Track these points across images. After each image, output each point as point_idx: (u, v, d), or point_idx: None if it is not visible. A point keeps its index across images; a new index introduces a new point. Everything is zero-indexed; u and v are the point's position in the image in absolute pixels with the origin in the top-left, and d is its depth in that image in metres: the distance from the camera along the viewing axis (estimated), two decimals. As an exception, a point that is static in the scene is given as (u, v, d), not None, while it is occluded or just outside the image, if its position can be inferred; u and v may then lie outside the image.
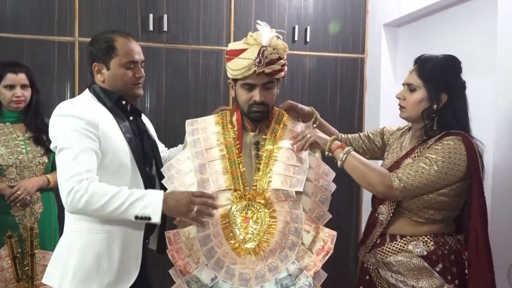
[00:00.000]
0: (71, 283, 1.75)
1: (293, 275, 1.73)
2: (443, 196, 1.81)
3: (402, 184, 1.76)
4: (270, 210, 1.82)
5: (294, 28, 3.39)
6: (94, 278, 1.75)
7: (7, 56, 2.89)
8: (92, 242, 1.76)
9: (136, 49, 1.89)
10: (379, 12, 3.42)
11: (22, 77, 2.60)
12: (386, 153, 2.08)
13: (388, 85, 3.42)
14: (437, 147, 1.79)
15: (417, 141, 1.92)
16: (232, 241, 1.79)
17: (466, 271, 1.83)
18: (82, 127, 1.73)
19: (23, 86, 2.60)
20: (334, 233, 1.82)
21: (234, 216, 1.81)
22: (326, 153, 1.91)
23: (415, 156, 1.85)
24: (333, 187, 1.91)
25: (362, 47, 3.53)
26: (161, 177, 1.90)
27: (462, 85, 1.90)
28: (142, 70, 1.92)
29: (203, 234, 1.78)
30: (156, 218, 1.68)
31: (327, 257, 1.78)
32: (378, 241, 1.90)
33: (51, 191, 2.67)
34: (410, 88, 1.88)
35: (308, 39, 3.41)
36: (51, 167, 2.65)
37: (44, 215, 2.61)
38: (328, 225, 1.88)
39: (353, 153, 1.87)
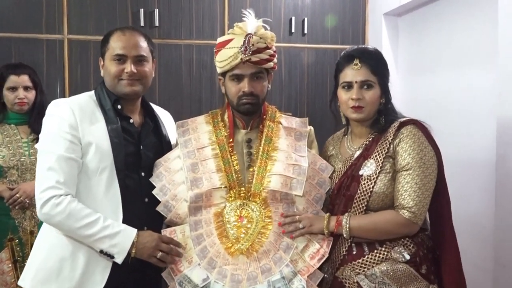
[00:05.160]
0: (30, 282, 1.82)
1: (286, 278, 1.75)
2: None
3: (412, 211, 1.74)
4: (266, 210, 1.85)
5: (291, 20, 3.41)
6: (53, 281, 1.79)
7: (-6, 55, 2.95)
8: (59, 244, 1.81)
9: (126, 43, 1.89)
10: (379, 1, 3.44)
11: (24, 79, 2.67)
12: (332, 164, 2.01)
13: (390, 76, 3.42)
14: (403, 148, 1.79)
15: (366, 139, 1.91)
16: (225, 241, 1.81)
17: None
18: (64, 130, 1.79)
19: (26, 88, 2.67)
20: (330, 238, 1.84)
21: (228, 215, 1.84)
22: (327, 233, 1.83)
23: (377, 156, 1.83)
24: (329, 185, 1.93)
25: (363, 38, 3.55)
26: None
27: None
28: (141, 66, 1.90)
29: (196, 233, 1.82)
30: (119, 260, 1.75)
31: (322, 261, 1.81)
32: (354, 253, 1.84)
33: None
34: (367, 85, 1.85)
35: (305, 31, 3.44)
36: None
37: None
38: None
39: (352, 220, 1.80)
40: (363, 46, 1.97)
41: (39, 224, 2.59)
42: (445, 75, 2.98)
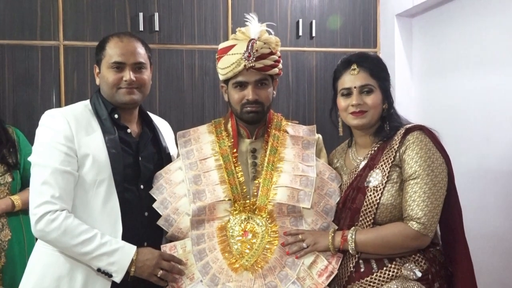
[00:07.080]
0: None
1: (293, 297, 1.75)
2: None
3: (421, 222, 1.72)
4: (272, 225, 1.86)
5: (298, 22, 3.41)
6: None
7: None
8: (55, 263, 1.82)
9: (124, 50, 1.90)
10: (391, 2, 3.43)
11: None
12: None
13: (404, 80, 3.43)
14: (410, 155, 1.78)
15: (371, 148, 1.91)
16: (229, 256, 1.82)
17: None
18: (59, 142, 1.80)
19: None
20: (340, 254, 1.84)
21: (232, 229, 1.85)
22: (333, 250, 1.83)
23: (383, 165, 1.83)
24: (339, 195, 1.93)
25: (374, 41, 3.54)
26: None
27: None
28: (139, 74, 1.93)
29: (198, 247, 1.83)
30: (117, 278, 1.76)
31: (331, 278, 1.80)
32: (362, 270, 1.82)
33: (22, 214, 2.48)
34: (367, 89, 1.87)
35: (314, 34, 3.43)
36: (21, 185, 2.51)
37: (13, 245, 2.45)
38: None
39: (358, 235, 1.79)
40: (360, 51, 1.99)
41: (6, 251, 2.44)
42: (462, 79, 2.97)
